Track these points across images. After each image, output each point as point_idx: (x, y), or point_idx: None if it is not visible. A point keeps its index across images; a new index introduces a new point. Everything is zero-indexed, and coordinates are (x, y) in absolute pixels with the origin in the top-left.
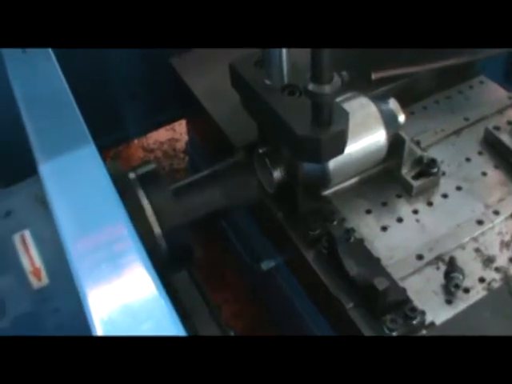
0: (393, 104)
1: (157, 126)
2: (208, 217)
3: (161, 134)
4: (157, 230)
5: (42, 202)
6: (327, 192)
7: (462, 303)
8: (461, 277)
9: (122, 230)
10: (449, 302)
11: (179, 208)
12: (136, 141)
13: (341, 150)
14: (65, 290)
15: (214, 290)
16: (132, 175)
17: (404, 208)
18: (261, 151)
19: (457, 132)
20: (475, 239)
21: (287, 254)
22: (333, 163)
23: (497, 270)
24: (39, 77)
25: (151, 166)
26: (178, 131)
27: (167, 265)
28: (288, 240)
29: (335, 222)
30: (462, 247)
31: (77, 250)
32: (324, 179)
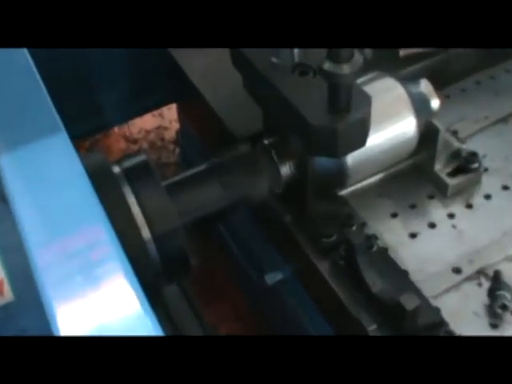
0: (425, 86)
1: (142, 111)
2: (205, 219)
3: (146, 121)
4: (146, 234)
5: (7, 202)
6: (345, 191)
7: (511, 328)
8: (509, 296)
9: (100, 234)
10: (494, 326)
11: (174, 208)
12: (116, 129)
13: (361, 142)
14: (34, 307)
15: (210, 306)
16: (117, 169)
17: (437, 211)
18: (266, 143)
19: (503, 119)
20: None
21: (296, 265)
22: (352, 158)
23: None
24: None
25: (141, 158)
26: (168, 118)
27: (158, 276)
28: (297, 248)
29: (354, 228)
30: (510, 259)
31: (44, 258)
32: (341, 176)
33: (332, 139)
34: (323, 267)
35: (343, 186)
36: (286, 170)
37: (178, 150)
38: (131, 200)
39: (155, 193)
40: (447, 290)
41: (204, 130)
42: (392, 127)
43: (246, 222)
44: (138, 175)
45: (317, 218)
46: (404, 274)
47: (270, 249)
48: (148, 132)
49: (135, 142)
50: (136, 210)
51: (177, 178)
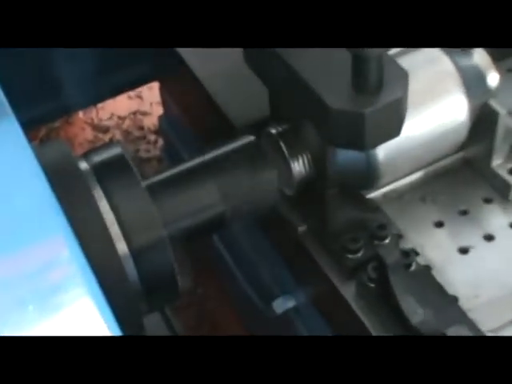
0: (479, 57)
1: (114, 91)
2: (197, 229)
3: (120, 105)
4: (122, 247)
5: None
6: (375, 194)
7: None
8: None
9: (61, 249)
10: None
11: (157, 215)
12: (81, 114)
13: (396, 131)
14: None
15: None
16: (84, 164)
17: (496, 219)
18: (274, 132)
19: None
20: None
21: (313, 289)
22: (384, 150)
23: None
24: None
25: (115, 150)
26: (148, 100)
27: (137, 302)
28: (314, 267)
29: (387, 240)
30: None
31: None
32: (370, 175)
33: (358, 127)
34: (347, 291)
35: (373, 186)
36: (299, 166)
37: (160, 142)
38: (103, 204)
39: (133, 195)
40: (510, 323)
41: (194, 116)
42: (436, 111)
43: (248, 233)
44: (112, 173)
45: (339, 228)
46: (452, 300)
47: (280, 268)
48: (122, 118)
49: (106, 130)
50: (109, 217)
51: (160, 177)
